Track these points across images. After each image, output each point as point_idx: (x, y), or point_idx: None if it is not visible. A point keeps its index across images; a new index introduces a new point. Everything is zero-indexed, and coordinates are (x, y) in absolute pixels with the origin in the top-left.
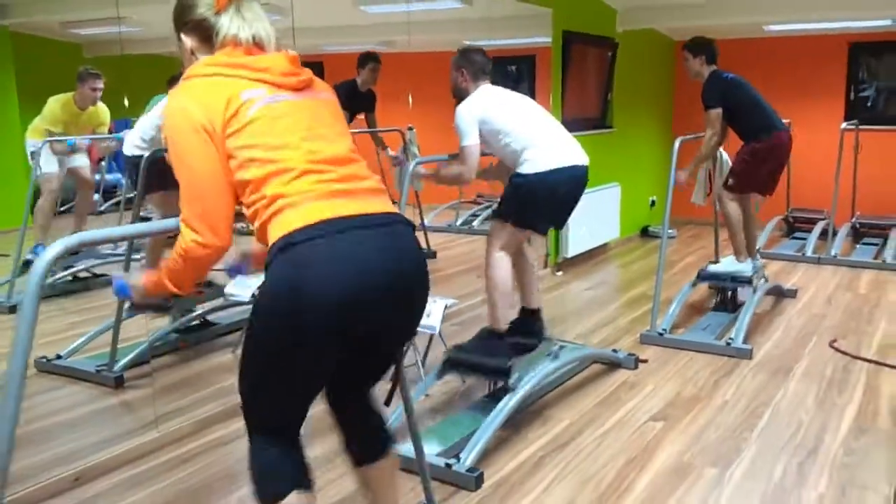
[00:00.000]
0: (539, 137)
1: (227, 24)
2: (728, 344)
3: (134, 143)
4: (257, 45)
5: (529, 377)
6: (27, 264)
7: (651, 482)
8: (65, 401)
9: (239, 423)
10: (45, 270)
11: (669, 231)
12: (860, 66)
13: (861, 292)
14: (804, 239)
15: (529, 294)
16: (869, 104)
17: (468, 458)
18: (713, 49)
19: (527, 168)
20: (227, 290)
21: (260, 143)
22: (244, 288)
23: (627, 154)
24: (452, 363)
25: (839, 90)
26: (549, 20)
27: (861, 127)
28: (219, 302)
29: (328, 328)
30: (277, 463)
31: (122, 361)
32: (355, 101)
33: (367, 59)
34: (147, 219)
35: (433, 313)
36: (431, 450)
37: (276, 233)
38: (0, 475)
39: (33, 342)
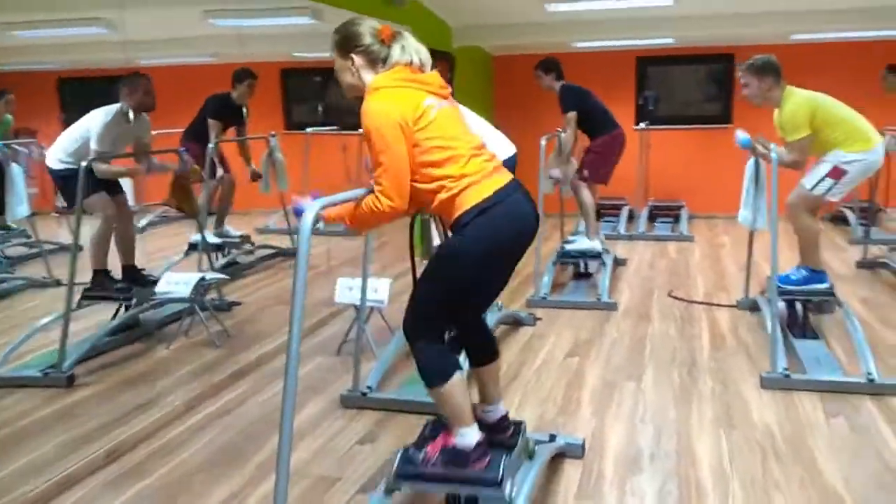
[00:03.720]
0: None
1: (399, 53)
2: (598, 300)
3: (58, 157)
4: (420, 67)
5: None
6: None
7: (592, 395)
8: (24, 405)
9: (232, 394)
10: (312, 226)
11: None
12: (645, 76)
13: (673, 257)
14: (612, 221)
15: None
16: (652, 108)
17: None
18: (560, 67)
19: None
20: (161, 288)
21: (440, 135)
22: (181, 285)
23: None
24: None
25: (630, 97)
26: None
27: (650, 127)
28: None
29: (509, 253)
30: (444, 354)
31: (69, 361)
32: (228, 114)
33: (245, 75)
34: None
35: (380, 290)
36: (420, 394)
37: (468, 201)
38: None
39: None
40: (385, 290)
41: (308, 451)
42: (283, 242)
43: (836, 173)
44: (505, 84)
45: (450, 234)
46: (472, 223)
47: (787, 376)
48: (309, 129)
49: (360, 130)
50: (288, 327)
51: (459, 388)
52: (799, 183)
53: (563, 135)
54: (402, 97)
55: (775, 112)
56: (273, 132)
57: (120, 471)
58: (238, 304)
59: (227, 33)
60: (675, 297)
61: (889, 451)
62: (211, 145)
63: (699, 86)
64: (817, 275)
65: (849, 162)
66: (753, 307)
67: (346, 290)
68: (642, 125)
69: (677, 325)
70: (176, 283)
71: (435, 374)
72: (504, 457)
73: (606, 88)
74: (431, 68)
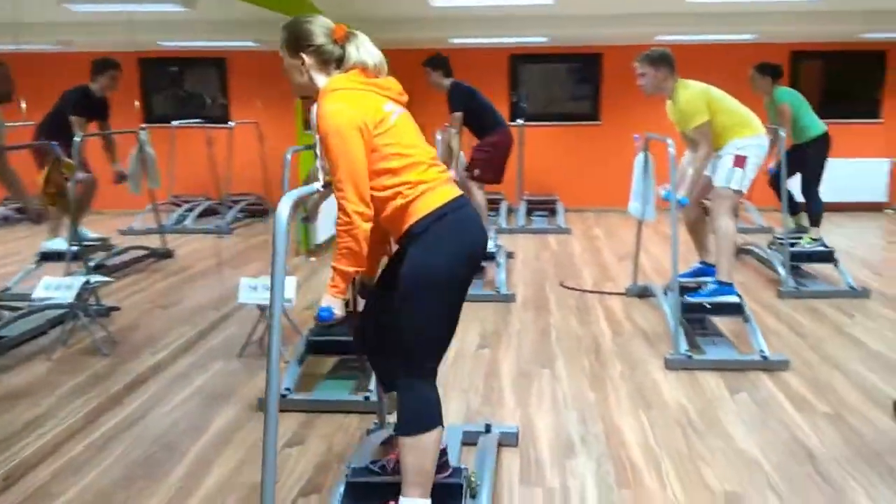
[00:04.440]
0: None
1: (356, 54)
2: (497, 292)
3: None
4: (376, 71)
5: None
6: None
7: (511, 384)
8: None
9: (134, 404)
10: (289, 217)
11: None
12: (518, 73)
13: (555, 249)
14: (492, 215)
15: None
16: (524, 105)
17: (375, 393)
18: (448, 64)
19: None
20: (38, 294)
21: (399, 142)
22: (63, 290)
23: None
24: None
25: (504, 94)
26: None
27: (524, 124)
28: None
29: (475, 263)
30: (432, 403)
31: None
32: (89, 108)
33: (106, 65)
34: None
35: (286, 289)
36: (342, 394)
37: (423, 208)
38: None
39: None
40: (292, 288)
41: (234, 459)
42: (152, 243)
43: (739, 161)
44: None
45: (396, 248)
46: (429, 230)
47: (690, 357)
48: (175, 122)
49: (231, 124)
50: (177, 332)
51: (435, 446)
52: (713, 189)
53: (453, 131)
54: (362, 100)
55: (668, 104)
56: (143, 126)
57: (25, 494)
58: (117, 308)
59: (79, 19)
60: (568, 287)
61: (791, 420)
62: (77, 139)
63: (569, 84)
64: (726, 287)
65: (744, 147)
66: (642, 294)
67: (250, 289)
68: (518, 122)
69: (575, 313)
70: (56, 287)
71: (420, 420)
72: None
73: (481, 85)
74: None
